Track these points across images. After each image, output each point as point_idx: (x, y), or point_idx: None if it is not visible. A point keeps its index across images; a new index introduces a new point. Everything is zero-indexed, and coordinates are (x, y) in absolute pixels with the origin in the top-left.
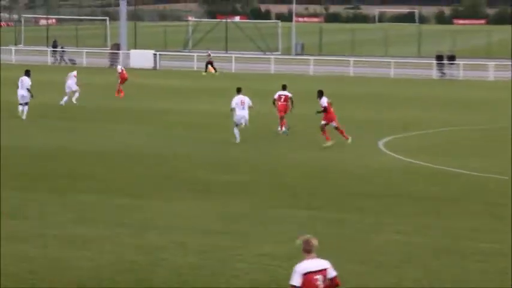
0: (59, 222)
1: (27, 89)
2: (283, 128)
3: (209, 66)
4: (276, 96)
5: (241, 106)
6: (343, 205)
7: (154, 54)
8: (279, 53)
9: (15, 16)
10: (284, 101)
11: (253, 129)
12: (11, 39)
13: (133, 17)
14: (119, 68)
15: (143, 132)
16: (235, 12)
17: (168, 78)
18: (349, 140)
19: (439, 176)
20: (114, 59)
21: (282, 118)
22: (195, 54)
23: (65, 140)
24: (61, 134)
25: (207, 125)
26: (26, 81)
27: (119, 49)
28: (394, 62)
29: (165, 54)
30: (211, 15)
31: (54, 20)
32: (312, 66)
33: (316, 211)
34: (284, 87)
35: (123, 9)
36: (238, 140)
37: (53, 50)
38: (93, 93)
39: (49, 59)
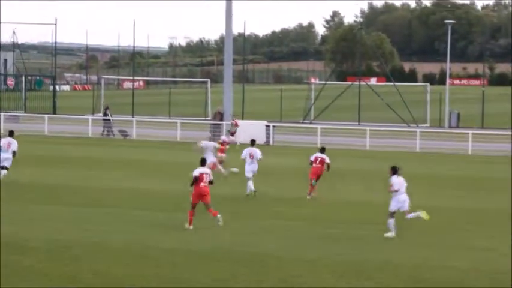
0: None
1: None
2: (312, 194)
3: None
4: (312, 159)
5: (250, 160)
6: None
7: (267, 126)
8: (427, 125)
9: (93, 78)
10: (319, 163)
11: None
12: (88, 105)
13: (241, 78)
14: (223, 138)
15: (248, 226)
16: (370, 73)
17: (284, 156)
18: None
19: None
20: (216, 131)
21: (311, 183)
22: (319, 127)
23: (153, 231)
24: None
25: (329, 217)
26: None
27: (222, 119)
28: None
29: (280, 126)
30: (341, 76)
31: (141, 82)
32: (470, 143)
33: None
34: (322, 150)
35: (229, 69)
36: (248, 192)
37: (104, 119)
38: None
39: (134, 132)
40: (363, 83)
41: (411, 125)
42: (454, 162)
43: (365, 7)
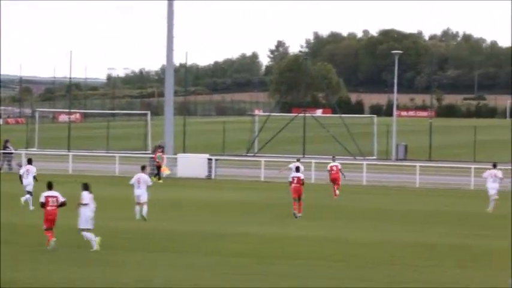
0: None
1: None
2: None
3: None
4: (328, 168)
5: (137, 185)
6: None
7: (209, 159)
8: (374, 157)
9: (27, 110)
10: (336, 171)
11: None
12: (21, 140)
13: (183, 110)
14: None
15: (186, 261)
16: (316, 105)
17: (226, 190)
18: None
19: None
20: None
21: (333, 186)
22: (263, 160)
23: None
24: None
25: (270, 253)
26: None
27: (163, 153)
28: None
29: (223, 159)
30: (286, 108)
31: (78, 115)
32: (418, 176)
33: None
34: (334, 159)
35: (169, 101)
36: (137, 216)
37: (4, 153)
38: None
39: (70, 167)
40: (308, 114)
41: (358, 157)
42: (401, 195)
43: (311, 37)
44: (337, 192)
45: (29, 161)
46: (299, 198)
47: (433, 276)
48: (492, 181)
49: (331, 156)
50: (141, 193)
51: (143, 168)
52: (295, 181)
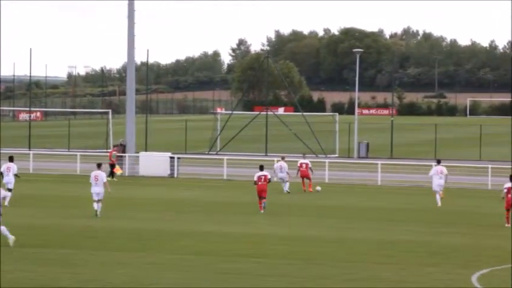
0: None
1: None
2: (313, 189)
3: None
4: (298, 164)
5: (95, 182)
6: None
7: (172, 158)
8: (336, 155)
9: None
10: (306, 168)
11: None
12: None
13: (145, 108)
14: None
15: (149, 260)
16: (278, 103)
17: (190, 188)
18: None
19: None
20: (119, 163)
21: (303, 181)
22: (225, 158)
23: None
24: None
25: (232, 252)
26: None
27: (124, 151)
28: (492, 167)
29: (185, 158)
30: (248, 106)
31: (39, 114)
32: (380, 174)
33: None
34: (304, 156)
35: (131, 99)
36: (98, 214)
37: None
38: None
39: (31, 165)
40: (270, 112)
41: (320, 155)
42: (363, 193)
43: (272, 35)
44: (311, 187)
45: (10, 159)
46: (264, 197)
47: (395, 274)
48: (439, 178)
49: (293, 154)
50: (99, 190)
51: (99, 165)
52: (262, 180)
